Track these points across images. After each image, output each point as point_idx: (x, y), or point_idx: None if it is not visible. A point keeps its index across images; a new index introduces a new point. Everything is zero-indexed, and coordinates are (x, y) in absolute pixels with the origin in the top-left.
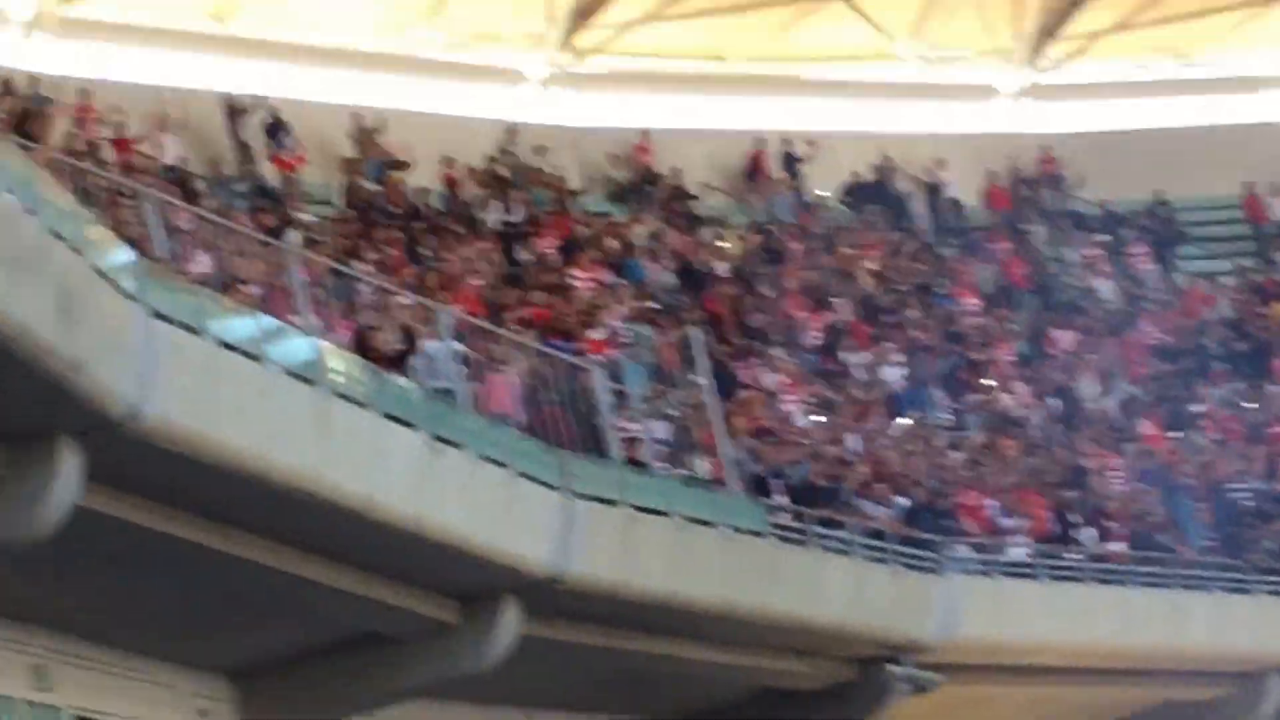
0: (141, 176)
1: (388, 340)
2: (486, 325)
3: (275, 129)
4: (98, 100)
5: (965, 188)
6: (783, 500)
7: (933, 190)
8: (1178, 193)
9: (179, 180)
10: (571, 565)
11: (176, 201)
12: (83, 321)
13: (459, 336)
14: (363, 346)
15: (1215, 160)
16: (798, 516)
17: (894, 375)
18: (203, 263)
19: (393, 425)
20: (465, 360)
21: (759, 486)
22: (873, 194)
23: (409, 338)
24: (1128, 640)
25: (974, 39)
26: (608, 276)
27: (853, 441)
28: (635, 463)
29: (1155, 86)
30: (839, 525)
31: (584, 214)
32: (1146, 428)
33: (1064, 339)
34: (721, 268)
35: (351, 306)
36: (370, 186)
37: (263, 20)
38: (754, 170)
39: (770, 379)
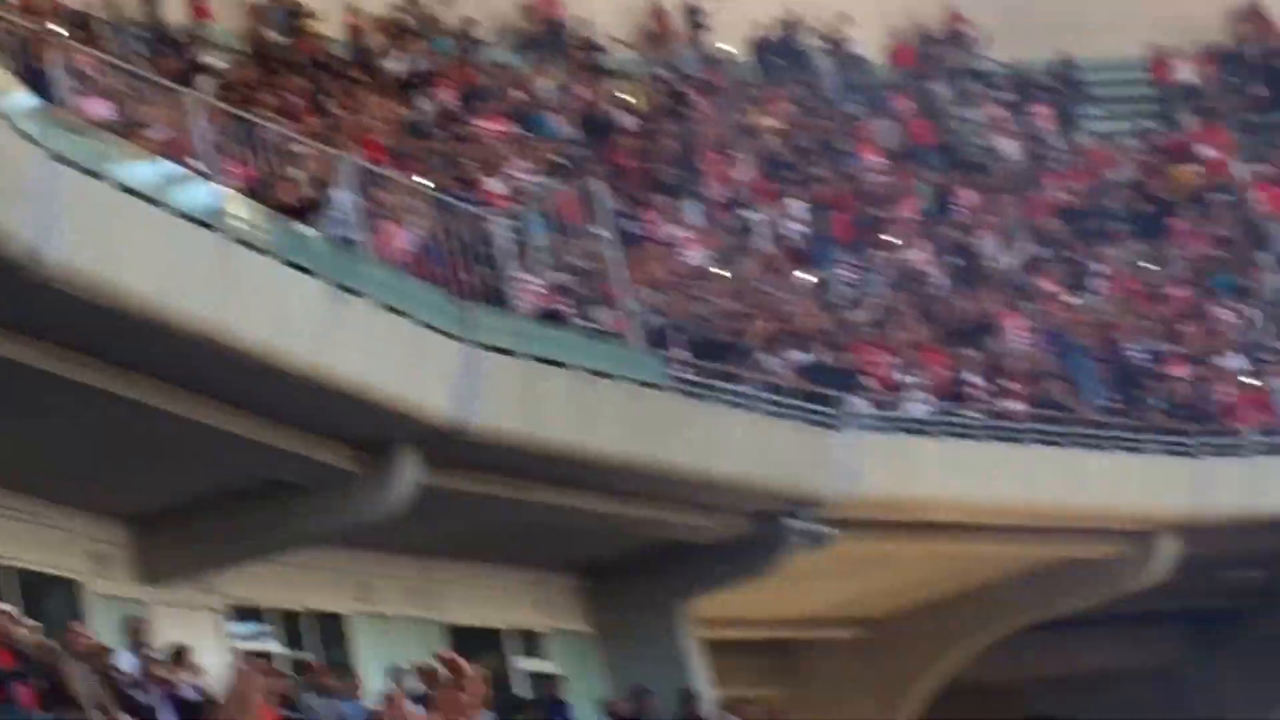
0: (42, 19)
1: (291, 189)
2: (388, 173)
3: None
4: None
5: (871, 45)
6: (684, 354)
7: (838, 47)
8: (1083, 53)
9: (80, 24)
10: (473, 416)
11: (78, 45)
12: None
13: (361, 186)
14: (265, 195)
15: (1121, 21)
16: (698, 370)
17: (796, 231)
18: (104, 108)
19: (295, 273)
20: (366, 210)
21: (660, 340)
22: (778, 50)
23: (313, 186)
24: (1025, 498)
25: None
26: (511, 128)
27: (754, 296)
28: (539, 315)
29: None
30: (739, 379)
31: (488, 64)
32: (1047, 286)
33: (967, 197)
34: (626, 121)
35: (254, 154)
36: (276, 35)
37: None
38: (658, 24)
39: (673, 232)
